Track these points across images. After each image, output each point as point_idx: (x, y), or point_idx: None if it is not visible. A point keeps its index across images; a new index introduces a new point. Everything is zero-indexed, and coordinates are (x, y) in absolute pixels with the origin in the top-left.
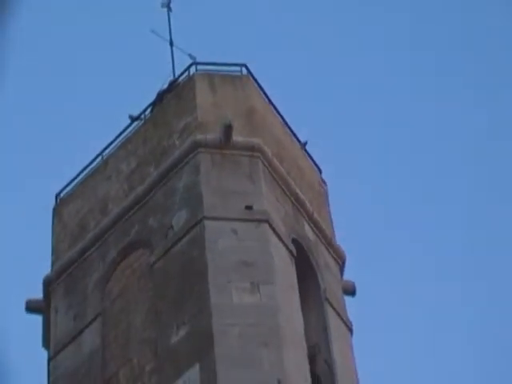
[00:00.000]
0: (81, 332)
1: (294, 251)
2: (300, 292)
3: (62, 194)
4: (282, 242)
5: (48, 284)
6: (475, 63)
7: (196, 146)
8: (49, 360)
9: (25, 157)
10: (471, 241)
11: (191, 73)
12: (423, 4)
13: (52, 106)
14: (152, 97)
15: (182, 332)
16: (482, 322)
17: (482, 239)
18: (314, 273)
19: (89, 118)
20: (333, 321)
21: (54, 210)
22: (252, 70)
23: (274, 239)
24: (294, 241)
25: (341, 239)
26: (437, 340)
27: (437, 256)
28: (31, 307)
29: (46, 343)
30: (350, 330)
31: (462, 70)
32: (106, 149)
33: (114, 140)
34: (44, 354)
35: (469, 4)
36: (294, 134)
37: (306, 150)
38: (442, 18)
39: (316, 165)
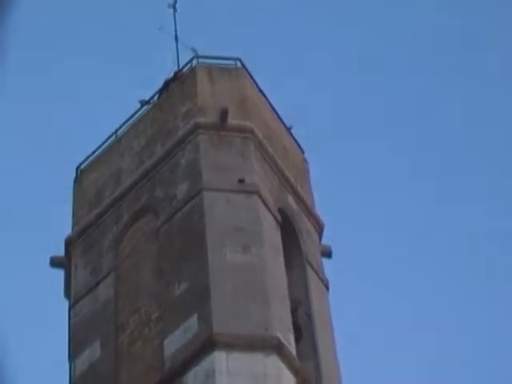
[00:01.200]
0: (97, 285)
1: (280, 219)
2: (284, 254)
3: (82, 167)
4: (270, 211)
5: (69, 243)
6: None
7: (196, 127)
8: (69, 308)
9: (52, 133)
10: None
11: (193, 65)
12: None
13: (72, 92)
14: (159, 85)
15: (183, 287)
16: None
17: None
18: (296, 238)
19: (105, 101)
20: (312, 279)
21: (75, 180)
22: (245, 63)
23: (262, 208)
24: (280, 210)
25: (320, 209)
26: (406, 288)
27: (408, 215)
28: (55, 263)
29: (67, 294)
30: (327, 287)
31: None
32: (119, 128)
33: (127, 121)
34: (65, 303)
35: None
36: (281, 119)
37: (291, 133)
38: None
39: (299, 146)
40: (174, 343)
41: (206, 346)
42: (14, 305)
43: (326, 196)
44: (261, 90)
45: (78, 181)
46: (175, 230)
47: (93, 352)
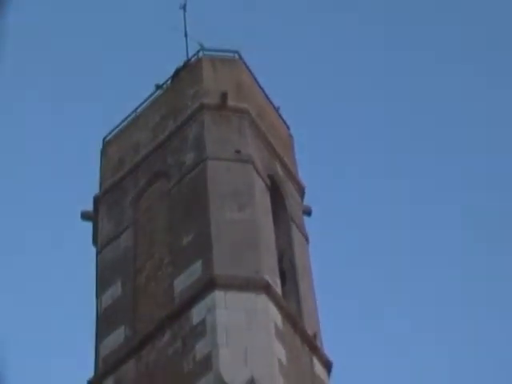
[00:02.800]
0: (119, 235)
1: (269, 184)
2: (273, 213)
3: (107, 139)
4: (261, 177)
5: (96, 201)
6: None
7: (202, 107)
8: (96, 254)
9: (86, 110)
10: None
11: (199, 56)
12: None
13: (102, 76)
14: (172, 72)
15: (189, 238)
16: None
17: None
18: (282, 199)
19: (128, 85)
20: (295, 233)
21: (102, 149)
22: (242, 56)
23: (255, 175)
24: (269, 176)
25: (302, 175)
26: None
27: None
28: (85, 217)
29: (95, 242)
30: (307, 240)
31: None
32: (138, 107)
33: (145, 101)
34: (93, 250)
35: None
36: (271, 101)
37: (278, 113)
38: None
39: (285, 123)
40: (182, 283)
41: (208, 286)
42: (56, 250)
43: (307, 164)
44: (254, 78)
45: (104, 150)
46: (183, 192)
47: (115, 290)
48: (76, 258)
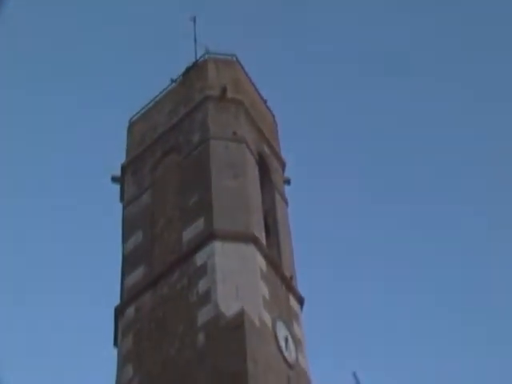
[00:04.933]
0: (140, 195)
1: (258, 159)
2: (260, 181)
3: (132, 120)
4: (252, 153)
5: (123, 168)
6: None
7: (206, 98)
8: (123, 209)
9: (115, 96)
10: None
11: (205, 58)
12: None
13: (130, 73)
14: (183, 70)
15: (195, 199)
16: None
17: None
18: (268, 172)
19: (150, 80)
20: (277, 198)
21: (128, 128)
22: (239, 58)
23: (247, 152)
24: (258, 153)
25: (284, 153)
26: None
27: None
28: (114, 180)
29: (121, 200)
30: (287, 204)
31: None
32: (157, 96)
33: (162, 91)
34: (120, 206)
35: None
36: (260, 95)
37: (266, 104)
38: None
39: (271, 113)
40: (189, 234)
41: (208, 237)
42: (92, 206)
43: (288, 145)
44: (248, 76)
45: (129, 129)
46: (191, 163)
47: (137, 238)
48: (107, 212)
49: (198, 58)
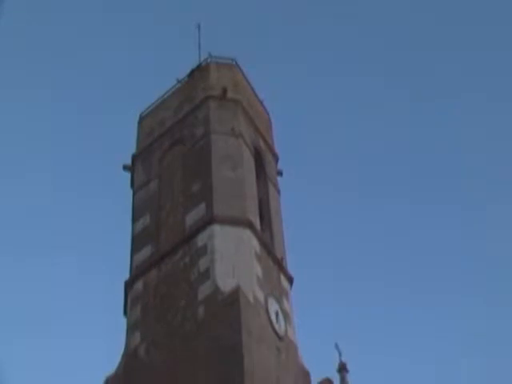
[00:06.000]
0: (149, 182)
1: (254, 152)
2: (256, 172)
3: (142, 114)
4: (248, 147)
5: (134, 158)
6: None
7: (209, 97)
8: (133, 195)
9: (127, 95)
10: None
11: (208, 61)
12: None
13: (143, 71)
14: (188, 71)
15: (197, 186)
16: None
17: None
18: (263, 164)
19: (157, 78)
20: (270, 188)
21: (138, 121)
22: (238, 62)
23: (244, 145)
24: (254, 147)
25: (277, 148)
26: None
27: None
28: (125, 168)
29: (132, 186)
30: (279, 193)
31: None
32: (165, 94)
33: (169, 90)
34: (130, 191)
35: None
36: (257, 95)
37: (262, 104)
38: None
39: (266, 111)
40: (191, 218)
41: (209, 221)
42: (106, 191)
43: (281, 140)
44: (246, 78)
45: (140, 122)
46: (194, 155)
47: (145, 220)
48: (119, 197)
49: (201, 61)
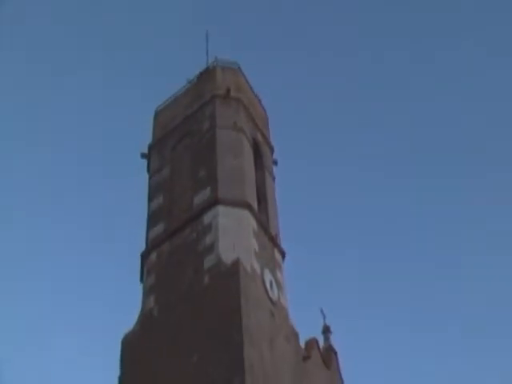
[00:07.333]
0: (162, 168)
1: (252, 144)
2: (254, 162)
3: (157, 110)
4: (248, 140)
5: (150, 148)
6: None
7: (214, 96)
8: (149, 178)
9: (146, 93)
10: None
11: (214, 65)
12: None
13: (160, 74)
14: (197, 73)
15: (203, 173)
16: None
17: None
18: (260, 154)
19: (171, 79)
20: (267, 175)
21: (154, 116)
22: (241, 66)
23: (244, 138)
24: (253, 140)
25: (273, 141)
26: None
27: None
28: (143, 156)
29: (148, 172)
30: (274, 180)
31: None
32: (176, 93)
33: (180, 89)
34: (147, 176)
35: None
36: (256, 95)
37: (260, 103)
38: None
39: (264, 109)
40: (198, 200)
41: (213, 202)
42: (127, 176)
43: (276, 134)
44: (247, 80)
45: (155, 117)
46: (201, 146)
47: (159, 201)
48: (137, 181)
49: (208, 65)
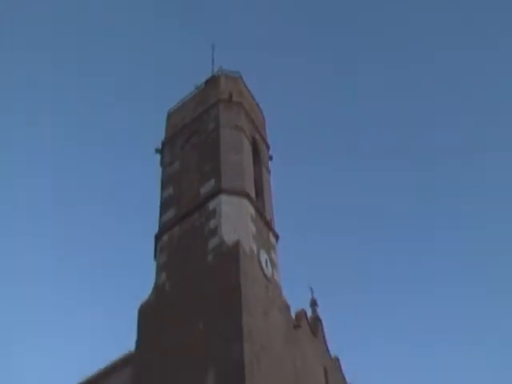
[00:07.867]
0: (173, 162)
1: (251, 142)
2: (253, 158)
3: (170, 111)
4: (248, 138)
5: (163, 144)
6: None
7: (219, 100)
8: (162, 170)
9: (160, 97)
10: None
11: (219, 73)
12: None
13: (172, 80)
14: (204, 80)
15: (209, 167)
16: None
17: None
18: (258, 151)
19: (181, 85)
20: (263, 169)
21: (167, 117)
22: (242, 75)
23: (244, 137)
24: (252, 138)
25: (269, 140)
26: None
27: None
28: (157, 151)
29: (161, 165)
30: (269, 173)
31: None
32: (185, 97)
33: (189, 94)
34: (159, 169)
35: None
36: (255, 100)
37: (259, 106)
38: None
39: (262, 112)
40: (204, 190)
41: (217, 192)
42: (143, 168)
43: (272, 134)
44: (247, 86)
45: (168, 118)
46: (207, 144)
47: (170, 190)
48: (152, 172)
49: (214, 73)
